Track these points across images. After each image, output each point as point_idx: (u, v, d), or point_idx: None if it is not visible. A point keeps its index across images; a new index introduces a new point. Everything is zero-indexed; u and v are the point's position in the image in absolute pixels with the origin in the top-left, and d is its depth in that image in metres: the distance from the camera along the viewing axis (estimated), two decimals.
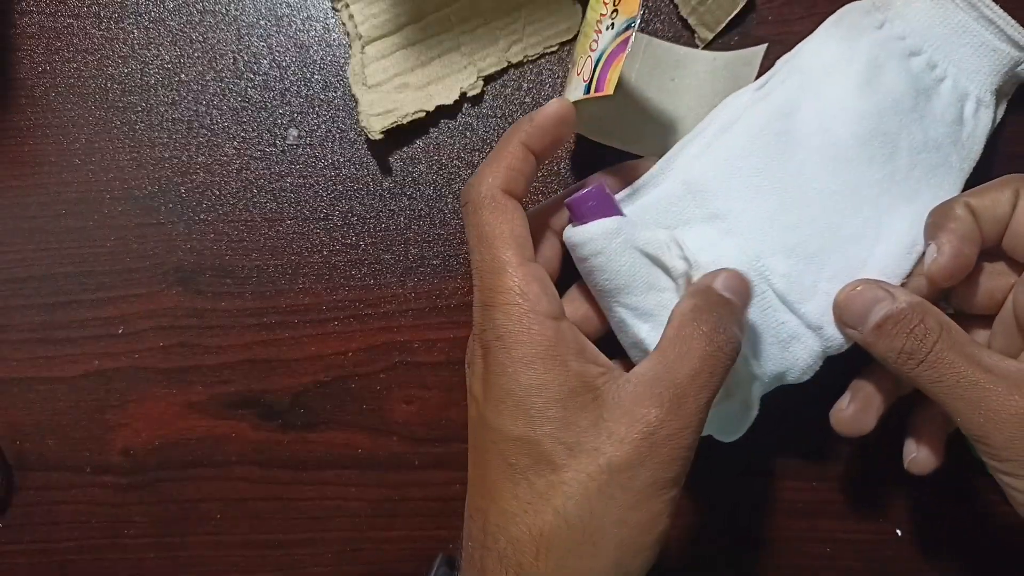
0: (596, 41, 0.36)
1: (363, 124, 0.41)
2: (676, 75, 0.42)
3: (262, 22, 0.43)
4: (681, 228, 0.38)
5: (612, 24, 0.35)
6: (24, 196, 0.42)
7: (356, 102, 0.41)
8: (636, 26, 0.35)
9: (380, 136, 0.41)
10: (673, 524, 0.30)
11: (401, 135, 0.42)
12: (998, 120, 0.40)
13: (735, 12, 0.42)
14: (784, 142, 0.38)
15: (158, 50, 0.43)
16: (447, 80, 0.42)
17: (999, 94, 0.39)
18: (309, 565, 0.41)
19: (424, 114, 0.41)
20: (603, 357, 0.31)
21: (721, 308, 0.30)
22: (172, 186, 0.42)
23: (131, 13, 0.43)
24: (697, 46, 0.43)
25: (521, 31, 0.42)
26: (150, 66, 0.43)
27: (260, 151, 0.43)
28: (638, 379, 0.29)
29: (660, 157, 0.39)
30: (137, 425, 0.41)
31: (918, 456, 0.35)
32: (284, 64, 0.43)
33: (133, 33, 0.43)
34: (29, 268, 0.42)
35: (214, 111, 0.43)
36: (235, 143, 0.43)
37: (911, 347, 0.30)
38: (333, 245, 0.42)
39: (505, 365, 0.29)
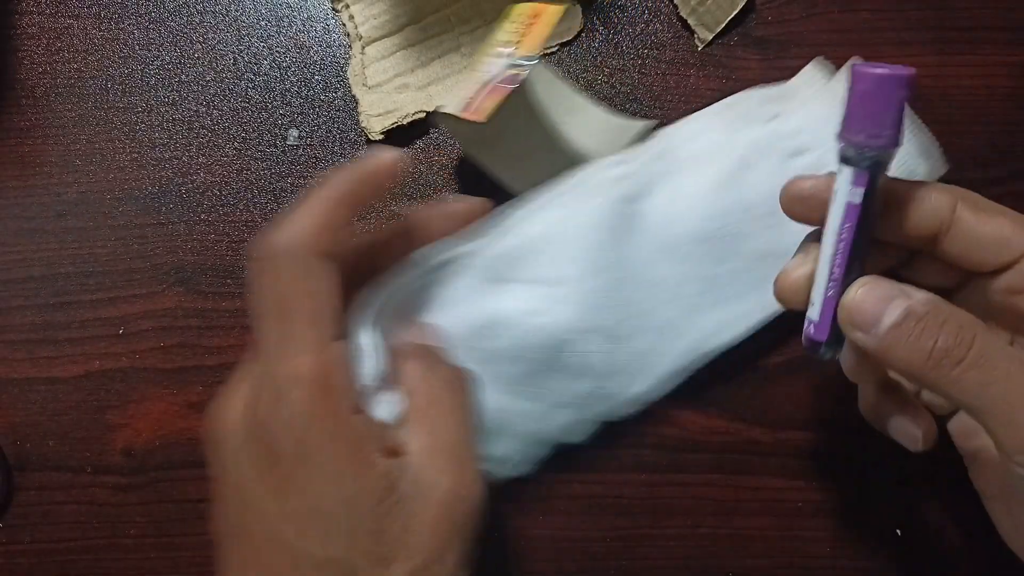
0: (491, 64, 0.36)
1: (363, 125, 0.41)
2: (567, 121, 0.41)
3: (262, 23, 0.43)
4: (504, 284, 0.38)
5: (511, 55, 0.35)
6: (24, 196, 0.42)
7: (356, 103, 0.41)
8: (530, 67, 0.35)
9: (380, 137, 0.41)
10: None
11: (401, 135, 0.42)
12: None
13: (735, 12, 0.42)
14: (629, 225, 0.38)
15: (158, 50, 0.43)
16: (447, 80, 0.42)
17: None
18: None
19: (424, 114, 0.41)
20: (391, 433, 0.28)
21: (433, 349, 0.31)
22: (172, 186, 0.42)
23: (131, 13, 0.43)
24: (697, 47, 0.43)
25: None
26: (150, 66, 0.43)
27: (260, 151, 0.43)
28: (420, 461, 0.27)
29: (514, 197, 0.38)
30: (137, 425, 0.41)
31: (921, 433, 0.31)
32: (284, 65, 0.43)
33: (133, 33, 0.43)
34: (29, 268, 0.42)
35: (214, 111, 0.43)
36: (235, 143, 0.43)
37: (946, 344, 0.24)
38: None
39: (308, 480, 0.25)
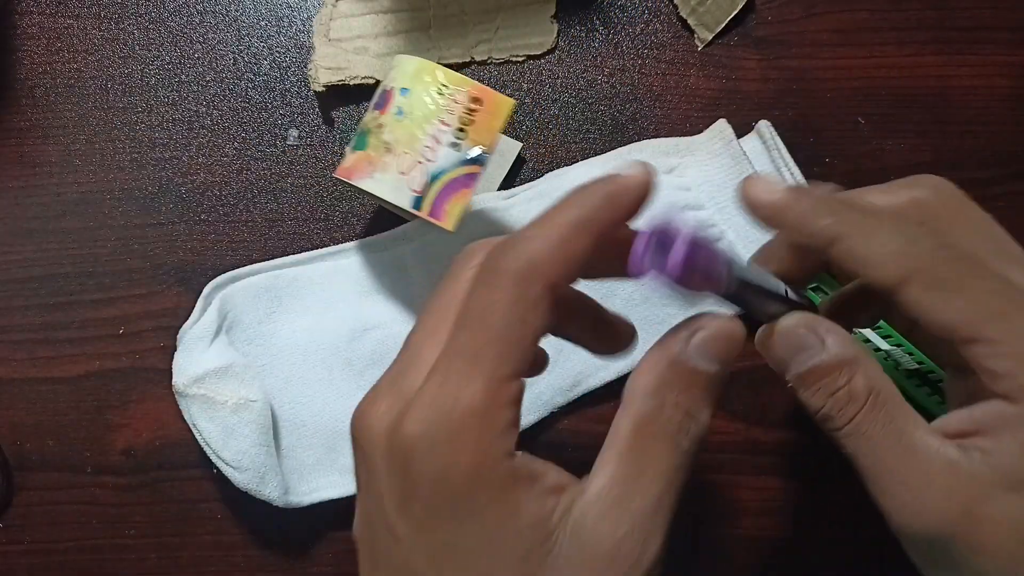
0: (432, 150, 0.34)
1: (310, 73, 0.41)
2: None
3: (262, 23, 0.43)
4: (371, 295, 0.40)
5: (457, 145, 0.34)
6: (24, 197, 0.42)
7: (312, 51, 0.41)
8: (487, 161, 0.34)
9: (322, 89, 0.41)
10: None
11: (343, 95, 0.42)
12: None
13: (735, 12, 0.42)
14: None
15: (158, 50, 0.43)
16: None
17: None
18: (309, 565, 0.41)
19: (373, 81, 0.41)
20: (557, 474, 0.24)
21: (694, 389, 0.24)
22: (173, 186, 0.42)
23: (131, 13, 0.43)
24: (697, 47, 0.43)
25: (493, 33, 0.42)
26: (150, 66, 0.43)
27: (260, 151, 0.43)
28: (595, 517, 0.22)
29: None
30: (138, 425, 0.41)
31: None
32: (284, 65, 0.43)
33: (133, 33, 0.43)
34: (29, 268, 0.42)
35: (214, 111, 0.43)
36: (235, 144, 0.43)
37: (829, 412, 0.25)
38: (333, 245, 0.42)
39: (447, 513, 0.22)
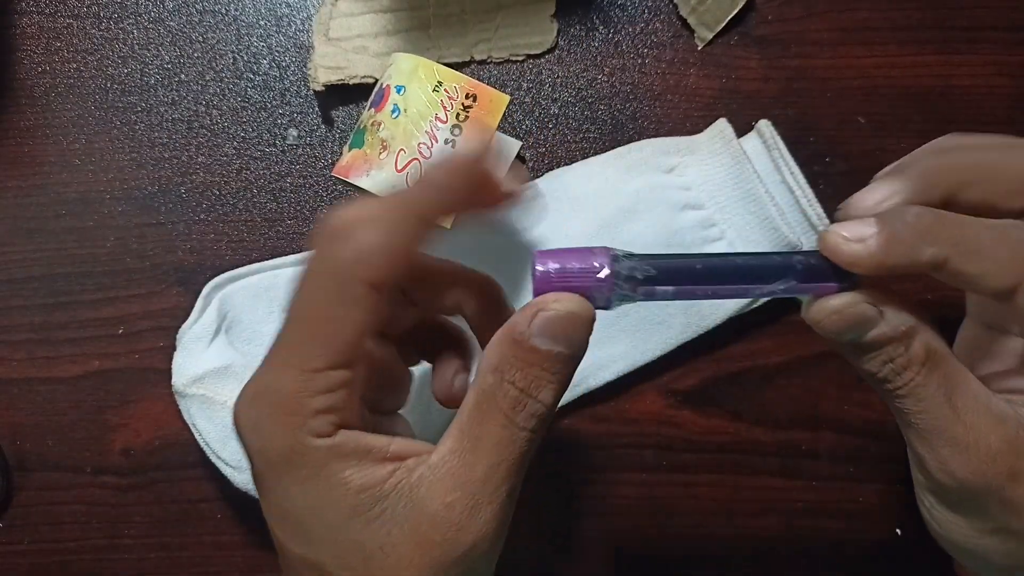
0: (428, 147, 0.34)
1: (310, 72, 0.41)
2: None
3: (262, 22, 0.43)
4: None
5: (453, 142, 0.34)
6: (24, 196, 0.42)
7: (311, 50, 0.41)
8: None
9: (322, 88, 0.41)
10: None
11: (343, 94, 0.42)
12: (768, 298, 0.40)
13: (735, 12, 0.42)
14: (501, 257, 0.39)
15: (158, 50, 0.43)
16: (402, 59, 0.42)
17: None
18: None
19: (373, 80, 0.41)
20: (399, 445, 0.25)
21: (532, 367, 0.24)
22: (172, 186, 0.42)
23: (131, 13, 0.43)
24: (697, 46, 0.43)
25: (493, 32, 0.42)
26: (150, 66, 0.43)
27: (260, 151, 0.43)
28: (429, 483, 0.24)
29: None
30: (137, 425, 0.41)
31: None
32: (284, 64, 0.43)
33: (133, 33, 0.43)
34: (29, 268, 0.42)
35: (214, 111, 0.43)
36: (235, 143, 0.43)
37: (887, 376, 0.25)
38: None
39: (272, 481, 0.24)
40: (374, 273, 0.24)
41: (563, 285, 0.24)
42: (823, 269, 0.25)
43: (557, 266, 0.24)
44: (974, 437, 0.24)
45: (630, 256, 0.25)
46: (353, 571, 0.24)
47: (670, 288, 0.25)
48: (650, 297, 0.25)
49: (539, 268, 0.24)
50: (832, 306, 0.24)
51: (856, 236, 0.24)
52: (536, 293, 0.24)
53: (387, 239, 0.24)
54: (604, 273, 0.24)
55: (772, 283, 0.25)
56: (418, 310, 0.30)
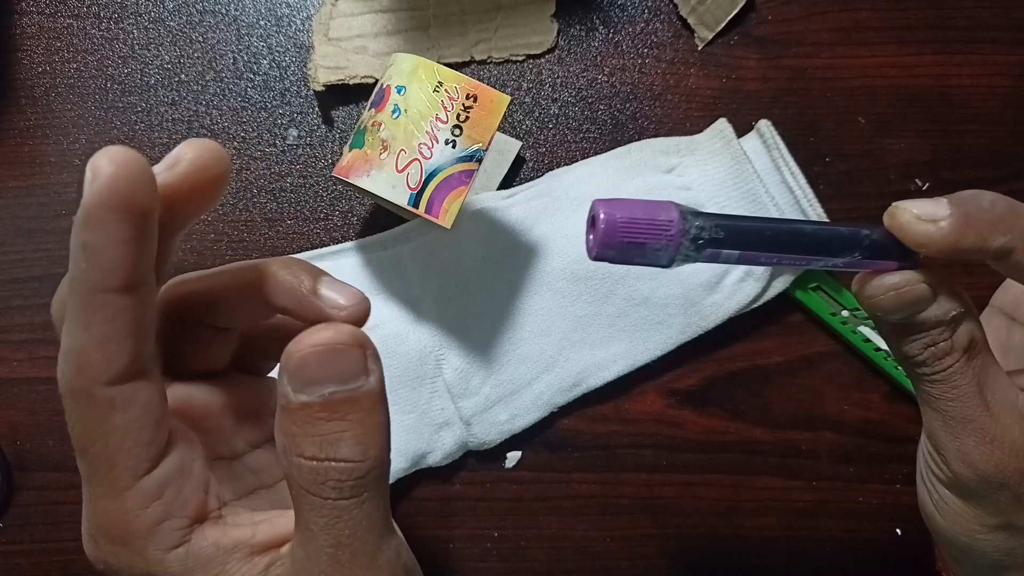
0: (429, 147, 0.34)
1: (309, 72, 0.41)
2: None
3: (262, 22, 0.43)
4: (373, 296, 0.40)
5: (453, 142, 0.35)
6: (24, 196, 0.42)
7: (311, 50, 0.41)
8: (483, 158, 0.35)
9: (322, 88, 0.41)
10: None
11: (343, 94, 0.42)
12: (767, 297, 0.40)
13: (735, 12, 0.42)
14: (504, 256, 0.40)
15: (158, 50, 0.43)
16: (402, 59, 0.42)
17: (778, 269, 0.40)
18: None
19: (373, 80, 0.41)
20: (264, 532, 0.23)
21: (311, 427, 0.20)
22: None
23: (131, 13, 0.43)
24: (697, 46, 0.43)
25: (492, 32, 0.42)
26: (150, 66, 0.43)
27: (260, 151, 0.43)
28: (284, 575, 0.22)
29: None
30: None
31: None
32: (284, 64, 0.43)
33: (133, 33, 0.43)
34: (29, 268, 0.42)
35: (214, 111, 0.43)
36: (235, 143, 0.43)
37: (926, 359, 0.25)
38: (333, 245, 0.42)
39: None
40: (97, 377, 0.21)
41: (629, 237, 0.22)
42: (888, 246, 0.24)
43: (624, 216, 0.22)
44: (1000, 431, 0.25)
45: (697, 215, 0.23)
46: None
47: (735, 252, 0.23)
48: (713, 259, 0.23)
49: (604, 215, 0.22)
50: (891, 283, 0.24)
51: (929, 216, 0.23)
52: (599, 243, 0.22)
53: (80, 346, 0.21)
54: (673, 230, 0.22)
55: (837, 256, 0.24)
56: (232, 332, 0.27)
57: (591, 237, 0.22)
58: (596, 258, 0.22)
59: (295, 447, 0.20)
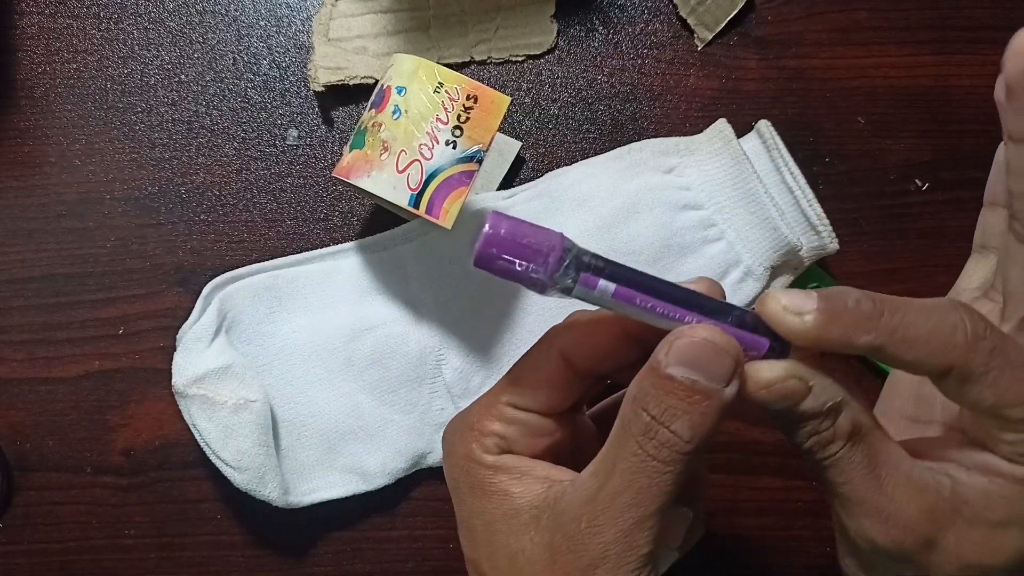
0: (429, 148, 0.35)
1: (309, 73, 0.41)
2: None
3: (262, 23, 0.43)
4: (370, 295, 0.40)
5: (454, 143, 0.35)
6: (24, 197, 0.42)
7: (311, 51, 0.41)
8: (483, 159, 0.35)
9: (322, 89, 0.41)
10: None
11: (343, 95, 0.42)
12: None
13: (734, 12, 0.42)
14: None
15: (158, 51, 0.43)
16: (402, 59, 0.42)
17: (778, 270, 0.40)
18: (309, 565, 0.41)
19: (373, 81, 0.41)
20: (548, 470, 0.27)
21: (668, 397, 0.24)
22: (172, 187, 0.42)
23: (131, 14, 0.43)
24: (697, 46, 0.43)
25: (492, 32, 0.42)
26: (150, 67, 0.43)
27: (260, 152, 0.43)
28: (568, 499, 0.25)
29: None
30: (137, 425, 0.41)
31: None
32: (284, 65, 0.43)
33: (133, 34, 0.43)
34: (29, 269, 0.42)
35: (214, 111, 0.43)
36: (235, 144, 0.43)
37: (812, 448, 0.25)
38: (333, 245, 0.42)
39: (460, 491, 0.28)
40: (569, 348, 0.27)
41: (507, 250, 0.23)
42: (759, 325, 0.25)
43: (508, 230, 0.23)
44: (894, 508, 0.25)
45: (582, 251, 0.24)
46: (499, 571, 0.27)
47: (611, 286, 0.24)
48: (586, 292, 0.24)
49: (489, 228, 0.23)
50: (764, 379, 0.25)
51: (796, 308, 0.24)
52: (479, 252, 0.23)
53: (589, 329, 0.27)
54: (553, 252, 0.23)
55: (709, 316, 0.24)
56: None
57: (476, 244, 0.23)
58: (475, 264, 0.23)
59: (644, 401, 0.24)
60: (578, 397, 0.28)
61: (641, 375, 0.24)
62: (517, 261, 0.23)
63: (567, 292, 0.24)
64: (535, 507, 0.26)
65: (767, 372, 0.25)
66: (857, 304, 0.24)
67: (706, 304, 0.25)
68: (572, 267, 0.23)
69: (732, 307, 0.25)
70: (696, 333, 0.24)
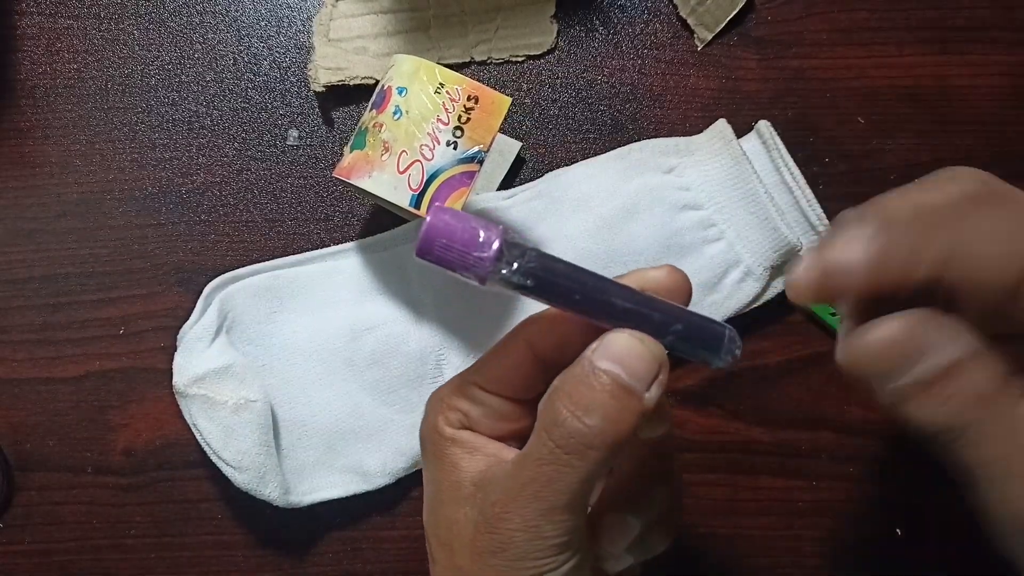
0: (430, 149, 0.35)
1: (310, 73, 0.41)
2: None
3: (262, 23, 0.43)
4: (370, 295, 0.40)
5: (454, 143, 0.35)
6: (25, 197, 0.42)
7: (312, 51, 0.41)
8: (484, 159, 0.35)
9: (322, 89, 0.41)
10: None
11: (343, 95, 0.42)
12: (767, 297, 0.40)
13: (734, 12, 0.42)
14: None
15: (158, 51, 0.43)
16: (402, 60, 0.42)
17: (778, 270, 0.40)
18: (309, 565, 0.41)
19: (373, 81, 0.41)
20: (497, 448, 0.27)
21: (582, 387, 0.24)
22: (173, 187, 0.42)
23: (131, 14, 0.43)
24: (697, 46, 0.43)
25: (492, 33, 0.42)
26: (150, 67, 0.43)
27: (260, 152, 0.43)
28: (494, 480, 0.26)
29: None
30: (138, 425, 0.41)
31: None
32: (284, 65, 0.43)
33: (133, 34, 0.43)
34: (30, 269, 0.42)
35: (214, 112, 0.43)
36: (235, 144, 0.43)
37: (951, 422, 0.21)
38: (333, 245, 0.42)
39: (424, 457, 0.29)
40: (533, 338, 0.27)
41: (448, 235, 0.23)
42: (699, 332, 0.25)
43: (450, 218, 0.23)
44: None
45: (522, 248, 0.23)
46: (437, 539, 0.28)
47: (559, 266, 0.24)
48: (529, 282, 0.23)
49: (431, 216, 0.23)
50: (874, 334, 0.21)
51: (851, 249, 0.22)
52: (422, 240, 0.23)
53: (554, 321, 0.27)
54: (494, 241, 0.23)
55: (663, 319, 0.24)
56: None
57: (419, 233, 0.23)
58: (417, 254, 0.23)
59: (564, 391, 0.24)
60: (544, 387, 0.26)
61: (570, 369, 0.25)
62: (457, 251, 0.23)
63: (509, 286, 0.24)
64: (475, 483, 0.26)
65: (881, 328, 0.21)
66: (900, 219, 0.22)
67: (661, 309, 0.25)
68: (510, 262, 0.23)
69: (670, 308, 0.25)
70: (624, 334, 0.24)
